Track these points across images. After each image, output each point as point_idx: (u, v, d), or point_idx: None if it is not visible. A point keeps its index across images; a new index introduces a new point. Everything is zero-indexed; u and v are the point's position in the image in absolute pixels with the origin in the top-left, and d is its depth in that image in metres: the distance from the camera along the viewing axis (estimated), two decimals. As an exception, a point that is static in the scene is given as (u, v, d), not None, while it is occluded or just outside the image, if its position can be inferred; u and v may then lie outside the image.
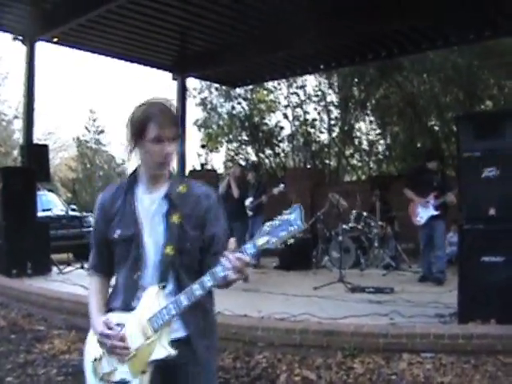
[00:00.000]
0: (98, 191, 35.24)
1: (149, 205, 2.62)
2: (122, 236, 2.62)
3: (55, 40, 12.02)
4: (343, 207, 11.09)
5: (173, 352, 2.41)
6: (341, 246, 10.53)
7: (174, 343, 2.45)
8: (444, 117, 18.02)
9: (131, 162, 2.69)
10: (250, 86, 20.65)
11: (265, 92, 22.55)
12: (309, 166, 21.05)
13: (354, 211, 12.05)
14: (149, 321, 2.43)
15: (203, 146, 23.68)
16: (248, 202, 11.45)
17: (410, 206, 9.41)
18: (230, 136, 23.02)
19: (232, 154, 23.27)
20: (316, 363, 5.36)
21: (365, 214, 12.02)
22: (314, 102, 21.20)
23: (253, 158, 22.71)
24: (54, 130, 46.97)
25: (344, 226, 11.16)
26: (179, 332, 2.54)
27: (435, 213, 9.05)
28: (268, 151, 22.66)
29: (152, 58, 14.32)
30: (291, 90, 21.50)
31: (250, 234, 10.62)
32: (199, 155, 23.89)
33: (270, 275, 10.72)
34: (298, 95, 21.43)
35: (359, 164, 22.50)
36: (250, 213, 11.32)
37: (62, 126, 45.37)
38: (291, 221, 2.27)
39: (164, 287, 2.52)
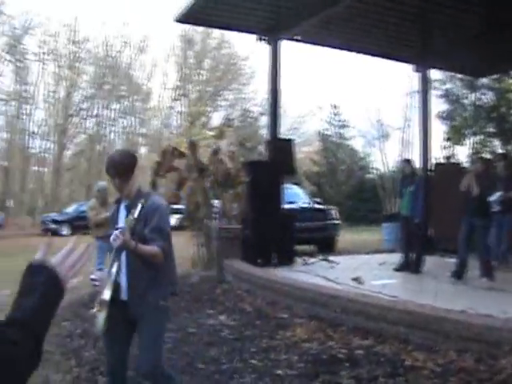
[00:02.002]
0: (342, 185, 35.85)
1: (122, 212, 4.23)
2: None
3: (297, 38, 12.31)
4: None
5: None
6: None
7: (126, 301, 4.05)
8: None
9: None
10: (496, 76, 19.70)
11: (513, 81, 21.41)
12: None
13: None
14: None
15: (448, 139, 23.11)
16: (496, 196, 10.88)
17: None
18: (475, 128, 22.16)
19: (478, 146, 22.40)
20: None
21: None
22: None
23: (499, 151, 21.69)
24: (299, 126, 48.09)
25: None
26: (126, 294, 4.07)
27: None
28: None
29: (393, 51, 14.17)
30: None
31: (499, 230, 10.15)
32: (444, 148, 23.37)
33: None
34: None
35: None
36: (497, 208, 10.71)
37: (306, 121, 46.33)
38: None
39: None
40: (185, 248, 14.00)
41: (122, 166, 4.11)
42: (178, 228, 16.97)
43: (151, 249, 3.93)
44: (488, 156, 21.02)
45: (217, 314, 7.90)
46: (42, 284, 1.48)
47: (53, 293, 1.50)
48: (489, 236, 9.17)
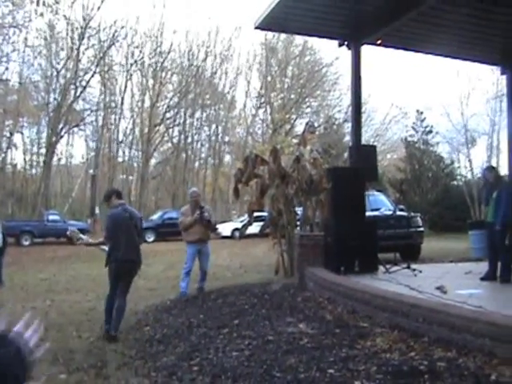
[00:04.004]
0: (427, 192, 35.26)
1: None
2: None
3: (379, 42, 12.16)
4: None
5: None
6: None
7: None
8: None
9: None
10: None
11: None
12: None
13: None
14: None
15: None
16: None
17: None
18: None
19: None
20: None
21: None
22: None
23: None
24: (383, 132, 47.66)
25: None
26: None
27: None
28: None
29: (478, 53, 13.84)
30: None
31: None
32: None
33: None
34: None
35: None
36: None
37: (391, 128, 45.92)
38: None
39: None
40: (267, 255, 14.05)
41: None
42: (261, 235, 17.07)
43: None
44: None
45: (296, 321, 7.84)
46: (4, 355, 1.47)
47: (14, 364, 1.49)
48: None
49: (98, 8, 40.10)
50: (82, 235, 9.40)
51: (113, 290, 8.33)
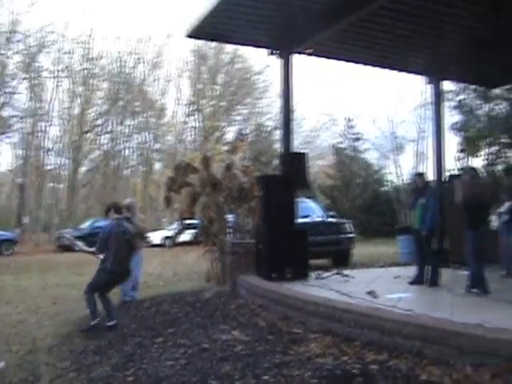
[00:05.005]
0: (356, 198, 35.79)
1: None
2: None
3: (308, 51, 12.31)
4: None
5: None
6: None
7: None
8: None
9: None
10: (509, 86, 19.64)
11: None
12: None
13: None
14: None
15: (462, 151, 23.05)
16: (507, 206, 10.89)
17: None
18: (489, 139, 22.05)
19: (492, 157, 22.28)
20: None
21: None
22: None
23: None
24: (313, 139, 48.17)
25: None
26: None
27: None
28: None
29: (405, 63, 14.15)
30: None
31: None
32: (458, 160, 23.31)
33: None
34: None
35: None
36: (505, 218, 10.73)
37: (321, 135, 46.43)
38: None
39: None
40: (199, 263, 14.03)
41: None
42: (193, 243, 17.04)
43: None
44: (501, 167, 20.94)
45: (230, 329, 7.85)
46: None
47: None
48: (477, 246, 9.06)
49: (27, 12, 39.36)
50: (77, 242, 10.42)
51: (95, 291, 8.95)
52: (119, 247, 8.92)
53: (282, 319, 8.23)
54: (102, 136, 48.81)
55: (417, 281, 10.03)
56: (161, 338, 7.61)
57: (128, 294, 11.08)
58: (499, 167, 20.99)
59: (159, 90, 50.15)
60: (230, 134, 48.04)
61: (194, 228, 22.28)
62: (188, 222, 22.76)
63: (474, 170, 10.53)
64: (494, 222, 10.99)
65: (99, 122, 47.84)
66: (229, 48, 47.90)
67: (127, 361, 6.57)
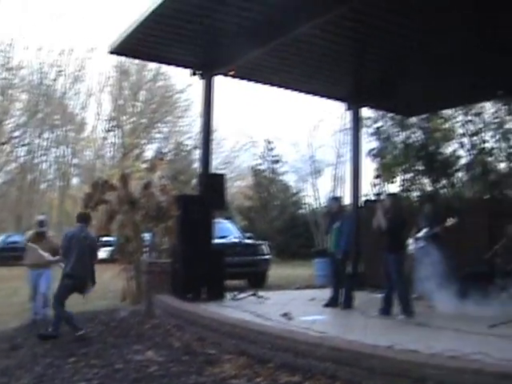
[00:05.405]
0: (274, 220, 35.93)
1: None
2: None
3: (231, 74, 12.40)
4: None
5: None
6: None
7: None
8: None
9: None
10: (426, 115, 20.27)
11: (440, 120, 21.98)
12: (487, 197, 20.17)
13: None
14: None
15: (378, 177, 23.53)
16: (422, 233, 11.20)
17: None
18: (405, 166, 22.61)
19: (407, 184, 22.83)
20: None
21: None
22: (492, 129, 20.41)
23: (428, 188, 22.19)
24: (232, 160, 48.29)
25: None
26: None
27: None
28: (444, 181, 22.04)
29: (326, 89, 14.44)
30: (467, 118, 20.85)
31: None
32: (374, 185, 23.77)
33: (443, 309, 10.29)
34: (474, 123, 20.76)
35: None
36: (422, 243, 11.02)
37: (240, 156, 46.58)
38: None
39: None
40: (114, 281, 13.83)
41: None
42: (109, 261, 16.78)
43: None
44: (417, 193, 21.53)
45: (145, 349, 7.79)
46: None
47: None
48: (401, 269, 9.30)
49: None
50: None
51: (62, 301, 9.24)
52: (80, 252, 9.24)
53: (197, 340, 8.22)
54: (19, 148, 47.65)
55: (331, 303, 10.18)
56: (73, 358, 7.46)
57: (39, 312, 10.81)
58: (414, 193, 21.55)
59: (79, 103, 49.36)
60: (150, 151, 47.63)
61: (111, 245, 22.01)
62: (104, 239, 22.50)
63: (395, 194, 10.79)
64: (411, 246, 11.23)
65: (17, 133, 46.66)
66: (152, 65, 47.58)
67: (37, 382, 6.41)
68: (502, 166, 20.71)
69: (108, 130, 50.27)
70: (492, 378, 5.25)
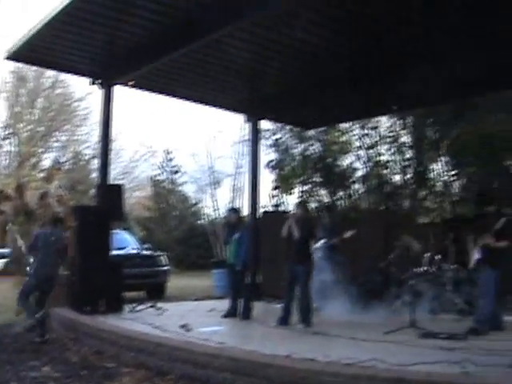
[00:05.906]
0: (173, 230, 35.69)
1: None
2: None
3: (131, 84, 12.30)
4: (416, 250, 10.95)
5: None
6: (413, 290, 10.30)
7: None
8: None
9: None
10: (323, 128, 20.68)
11: (338, 133, 22.47)
12: (382, 208, 20.79)
13: (426, 254, 11.82)
14: None
15: (276, 188, 23.78)
16: (320, 243, 11.41)
17: None
18: (303, 177, 22.96)
19: (305, 195, 23.17)
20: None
21: (438, 257, 11.77)
22: (388, 143, 21.03)
23: (326, 199, 22.62)
24: (131, 170, 47.76)
25: (416, 270, 10.98)
26: None
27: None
28: (341, 193, 22.53)
29: (225, 100, 14.54)
30: (364, 132, 21.39)
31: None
32: (272, 197, 24.00)
33: (340, 318, 10.53)
34: (370, 136, 21.32)
35: (433, 206, 22.05)
36: (319, 254, 11.24)
37: (139, 166, 46.07)
38: None
39: None
40: (9, 295, 13.41)
41: None
42: (4, 273, 16.27)
43: None
44: (314, 205, 21.90)
45: (41, 365, 7.60)
46: None
47: None
48: (310, 282, 9.49)
49: None
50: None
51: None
52: (45, 252, 9.69)
53: (94, 353, 8.11)
54: None
55: (230, 314, 10.25)
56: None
57: None
58: (312, 205, 21.89)
59: (-28, 110, 47.76)
60: (47, 160, 46.46)
61: (5, 257, 21.34)
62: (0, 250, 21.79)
63: (304, 205, 10.94)
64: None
65: None
66: (50, 72, 46.47)
67: None
68: (397, 178, 21.35)
69: (3, 138, 48.75)
70: (386, 383, 5.44)
